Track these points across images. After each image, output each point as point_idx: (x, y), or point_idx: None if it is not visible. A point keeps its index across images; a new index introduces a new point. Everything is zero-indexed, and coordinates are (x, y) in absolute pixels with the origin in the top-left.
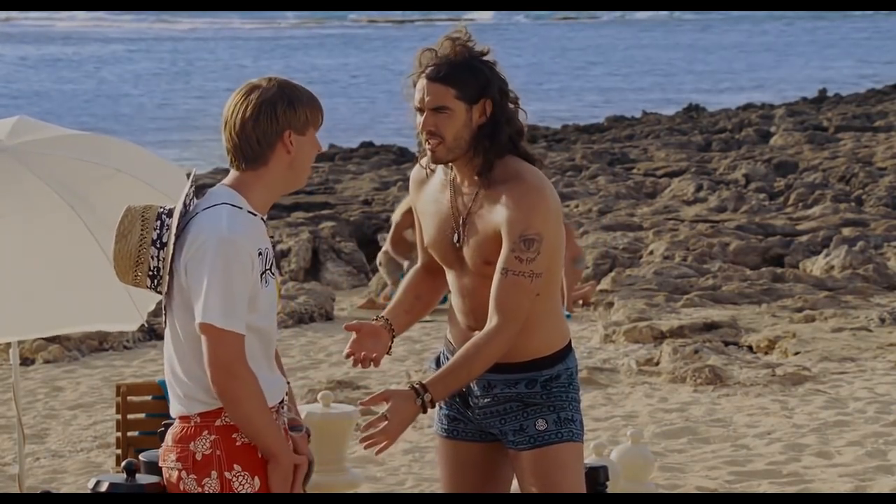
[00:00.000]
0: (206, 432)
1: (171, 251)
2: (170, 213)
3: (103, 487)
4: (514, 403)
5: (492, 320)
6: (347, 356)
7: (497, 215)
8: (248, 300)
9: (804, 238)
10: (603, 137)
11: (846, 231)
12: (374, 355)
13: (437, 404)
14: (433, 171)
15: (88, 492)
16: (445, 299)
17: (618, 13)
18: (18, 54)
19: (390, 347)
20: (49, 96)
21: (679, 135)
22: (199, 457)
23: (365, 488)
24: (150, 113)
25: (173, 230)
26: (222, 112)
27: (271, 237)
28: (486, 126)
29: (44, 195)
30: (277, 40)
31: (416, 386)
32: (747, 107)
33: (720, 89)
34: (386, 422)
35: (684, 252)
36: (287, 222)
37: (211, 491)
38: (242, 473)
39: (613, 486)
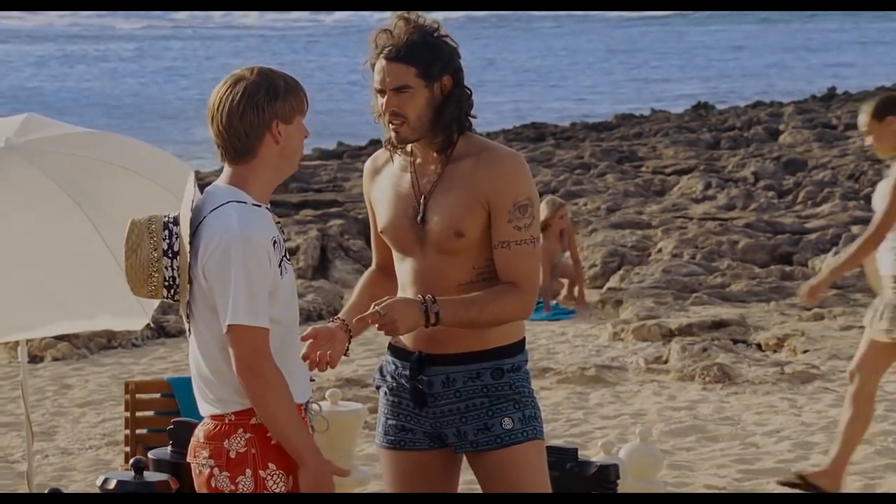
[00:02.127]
0: (241, 430)
1: (187, 259)
2: (175, 221)
3: (112, 485)
4: (479, 399)
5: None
6: (304, 359)
7: (473, 186)
8: (269, 294)
9: (813, 236)
10: (611, 135)
11: (855, 229)
12: (329, 357)
13: (383, 412)
14: (395, 153)
15: (97, 490)
16: None
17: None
18: (23, 53)
19: (348, 349)
20: (56, 94)
21: (688, 132)
22: (233, 455)
23: (373, 487)
24: (157, 110)
25: (186, 237)
26: (207, 105)
27: (278, 223)
28: (448, 102)
29: (51, 193)
30: (283, 37)
31: (425, 296)
32: (756, 104)
33: (729, 87)
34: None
35: (693, 250)
36: (295, 220)
37: (245, 489)
38: (277, 472)
39: (622, 485)
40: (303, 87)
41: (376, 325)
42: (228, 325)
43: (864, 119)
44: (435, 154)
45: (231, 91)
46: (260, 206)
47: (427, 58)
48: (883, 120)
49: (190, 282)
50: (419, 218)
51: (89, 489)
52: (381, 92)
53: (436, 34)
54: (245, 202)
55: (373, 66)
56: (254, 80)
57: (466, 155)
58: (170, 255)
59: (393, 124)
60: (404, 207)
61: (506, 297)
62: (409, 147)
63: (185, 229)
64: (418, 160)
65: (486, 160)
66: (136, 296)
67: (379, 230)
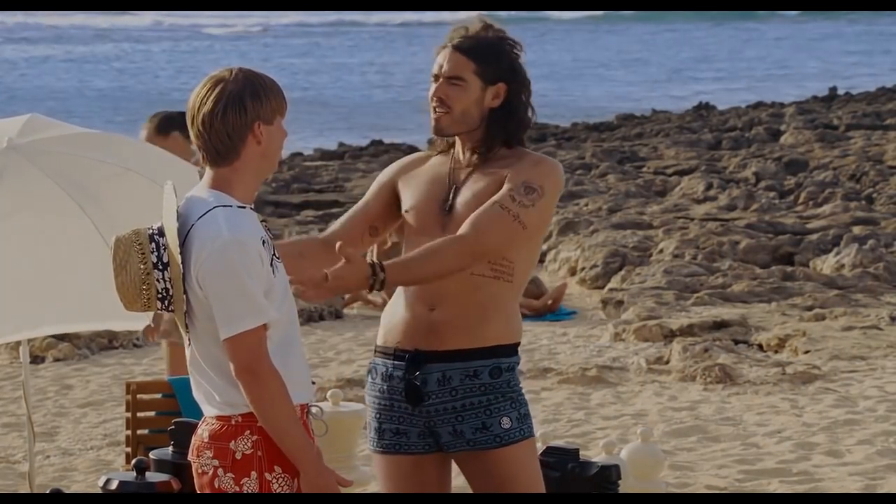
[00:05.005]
0: (247, 432)
1: (179, 270)
2: (160, 232)
3: (114, 485)
4: (476, 398)
5: (460, 231)
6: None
7: (500, 176)
8: (265, 294)
9: (814, 236)
10: (613, 135)
11: (856, 229)
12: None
13: (372, 416)
14: (438, 149)
15: (99, 490)
16: None
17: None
18: (28, 54)
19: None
20: (59, 94)
21: (689, 133)
22: (238, 456)
23: (374, 487)
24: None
25: (175, 249)
26: (187, 107)
27: (263, 221)
28: (500, 111)
29: (53, 194)
30: (287, 37)
31: (375, 263)
32: (757, 105)
33: (730, 87)
34: (325, 280)
35: (694, 250)
36: (297, 220)
37: (249, 491)
38: (283, 475)
39: (623, 485)
40: (282, 89)
41: (321, 290)
42: (226, 336)
43: (146, 133)
44: (475, 154)
45: (212, 92)
46: (245, 207)
47: (491, 60)
48: (168, 136)
49: (184, 292)
50: (447, 206)
51: (90, 489)
52: (436, 78)
53: (507, 43)
54: (230, 205)
55: (437, 54)
56: (235, 81)
57: (506, 156)
58: (160, 267)
59: (437, 112)
60: (436, 192)
61: (446, 246)
62: (454, 147)
63: (172, 241)
64: (460, 155)
65: (521, 160)
66: (129, 311)
67: (404, 208)
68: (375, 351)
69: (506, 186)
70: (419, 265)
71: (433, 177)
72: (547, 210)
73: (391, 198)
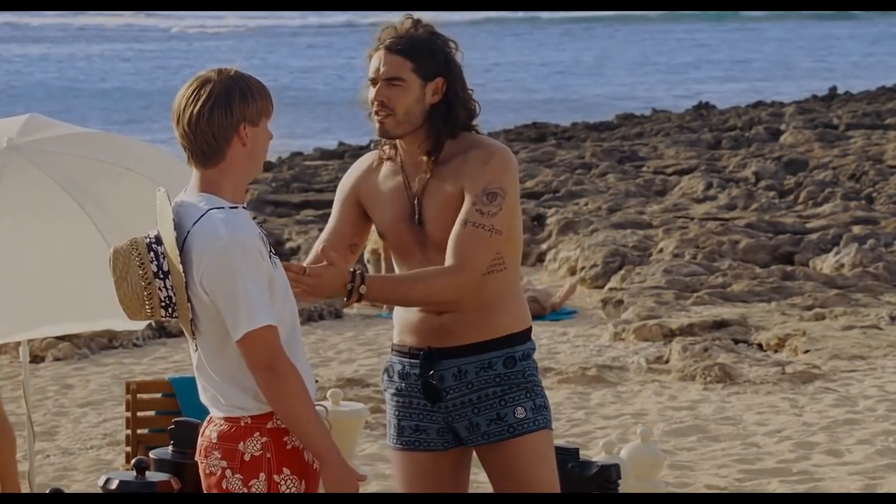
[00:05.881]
0: (257, 434)
1: (181, 278)
2: (158, 241)
3: (114, 485)
4: (491, 389)
5: (447, 262)
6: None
7: (459, 179)
8: (268, 287)
9: (814, 236)
10: (612, 135)
11: (856, 229)
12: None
13: (390, 415)
14: (383, 149)
15: (99, 490)
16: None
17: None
18: (28, 53)
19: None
20: (58, 94)
21: (689, 132)
22: (247, 457)
23: (374, 486)
24: (159, 109)
25: (175, 258)
26: (172, 107)
27: (255, 218)
28: (440, 106)
29: (53, 193)
30: (287, 37)
31: (357, 272)
32: (757, 104)
33: (730, 87)
34: (304, 275)
35: (694, 250)
36: (296, 220)
37: (257, 492)
38: (291, 477)
39: (623, 484)
40: (269, 90)
41: (297, 284)
42: (239, 336)
43: None
44: (423, 157)
45: (198, 93)
46: (237, 206)
47: (426, 56)
48: None
49: (188, 299)
50: (416, 220)
51: (90, 489)
52: (374, 81)
53: (439, 38)
54: (223, 206)
55: (370, 57)
56: (221, 82)
57: (456, 154)
58: (160, 275)
59: (379, 115)
60: (400, 208)
61: (436, 276)
62: (397, 149)
63: (171, 249)
64: (408, 162)
65: (473, 155)
66: (133, 320)
67: (378, 232)
68: (392, 349)
69: (468, 200)
70: (407, 288)
71: (391, 191)
72: (513, 201)
73: (358, 211)
